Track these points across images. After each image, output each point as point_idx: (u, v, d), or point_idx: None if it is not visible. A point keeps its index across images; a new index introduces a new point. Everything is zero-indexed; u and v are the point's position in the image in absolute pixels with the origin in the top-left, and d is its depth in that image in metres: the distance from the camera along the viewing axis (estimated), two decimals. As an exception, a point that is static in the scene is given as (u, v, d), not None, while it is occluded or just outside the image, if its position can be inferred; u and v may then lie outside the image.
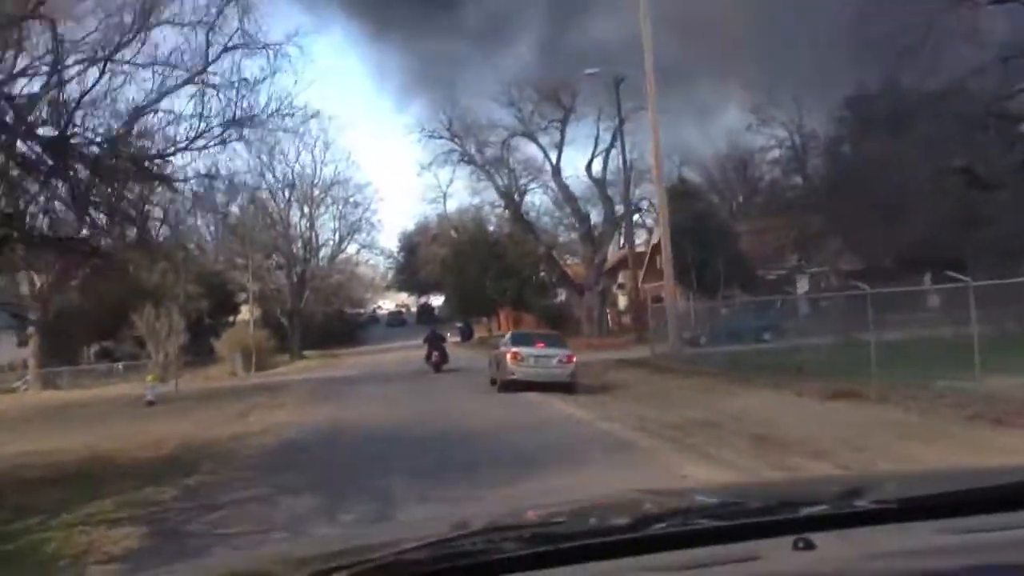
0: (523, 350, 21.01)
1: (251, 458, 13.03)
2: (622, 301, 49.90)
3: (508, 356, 20.95)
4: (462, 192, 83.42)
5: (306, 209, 53.61)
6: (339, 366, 42.08)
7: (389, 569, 1.29)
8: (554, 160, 43.81)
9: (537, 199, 53.54)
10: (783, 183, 73.97)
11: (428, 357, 31.41)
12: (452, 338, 60.15)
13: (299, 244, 54.68)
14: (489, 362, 24.11)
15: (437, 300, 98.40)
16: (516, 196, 47.74)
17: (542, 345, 21.44)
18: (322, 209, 55.04)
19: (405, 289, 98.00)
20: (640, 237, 54.86)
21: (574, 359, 21.20)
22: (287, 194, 53.18)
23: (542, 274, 58.45)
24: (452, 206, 72.83)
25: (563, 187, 43.97)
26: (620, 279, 59.28)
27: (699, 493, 2.06)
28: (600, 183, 43.87)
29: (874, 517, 1.41)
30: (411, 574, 1.28)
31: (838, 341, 27.94)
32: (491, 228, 58.16)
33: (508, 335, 23.51)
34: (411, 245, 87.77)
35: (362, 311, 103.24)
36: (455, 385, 24.62)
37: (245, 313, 69.45)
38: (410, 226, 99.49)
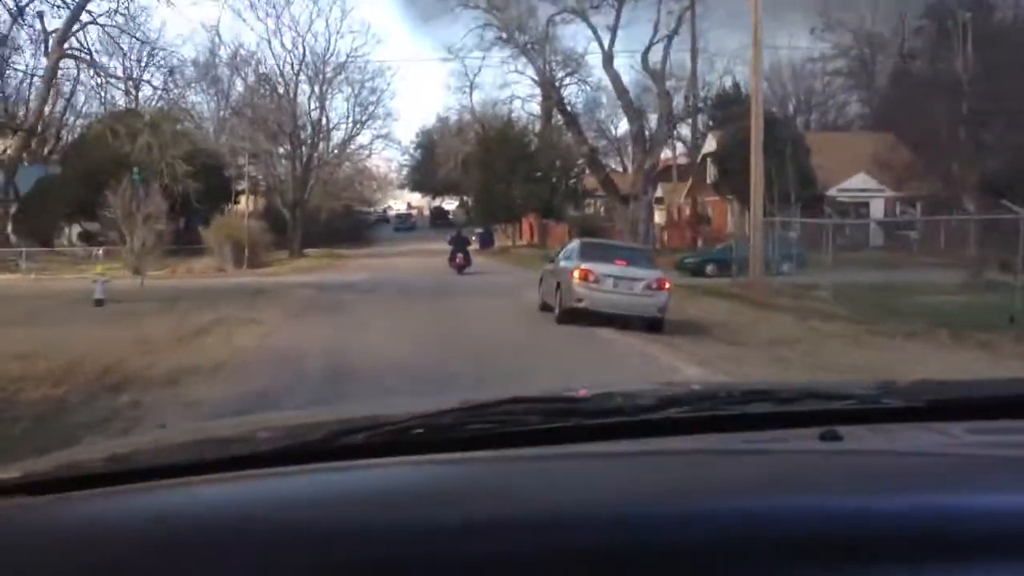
0: (598, 268, 15.18)
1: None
2: (658, 215, 43.90)
3: (575, 275, 15.19)
4: (489, 86, 76.49)
5: (316, 88, 46.72)
6: (344, 268, 36.46)
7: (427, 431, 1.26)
8: (607, 45, 37.35)
9: (574, 95, 47.34)
10: (845, 97, 67.30)
11: (452, 259, 32.25)
12: (471, 245, 54.67)
13: (307, 127, 47.96)
14: (540, 280, 18.37)
15: (452, 204, 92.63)
16: (557, 87, 41.27)
17: (623, 263, 15.60)
18: (334, 88, 48.14)
19: (419, 190, 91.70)
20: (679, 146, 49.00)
21: (667, 285, 15.47)
22: (296, 68, 46.25)
23: (572, 180, 52.52)
24: (478, 99, 66.69)
25: (616, 78, 37.65)
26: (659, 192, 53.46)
27: (729, 387, 1.94)
28: (658, 76, 37.47)
29: (904, 415, 1.39)
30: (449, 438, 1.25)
31: (965, 277, 22.41)
32: (521, 126, 51.91)
33: (574, 245, 17.53)
34: (429, 142, 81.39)
35: (372, 210, 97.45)
36: (494, 307, 18.88)
37: (246, 204, 63.95)
38: (430, 121, 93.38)
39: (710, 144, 45.52)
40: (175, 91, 46.35)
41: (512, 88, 53.46)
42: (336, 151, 53.02)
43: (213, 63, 47.87)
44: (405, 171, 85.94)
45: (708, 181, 46.55)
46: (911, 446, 1.25)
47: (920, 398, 1.47)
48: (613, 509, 0.94)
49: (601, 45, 37.36)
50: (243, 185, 47.50)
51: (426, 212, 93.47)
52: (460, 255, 31.87)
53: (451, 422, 1.31)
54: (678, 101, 37.12)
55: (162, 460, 1.31)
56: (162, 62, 47.46)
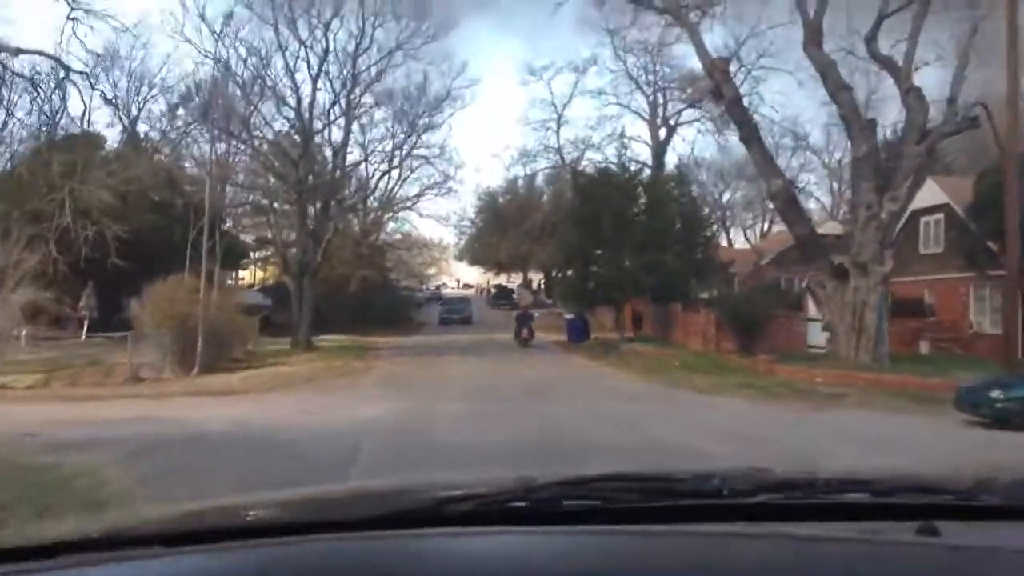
0: None
1: None
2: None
3: None
4: (578, 121, 62.26)
5: (339, 97, 31.31)
6: (358, 381, 21.00)
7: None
8: (811, 14, 22.10)
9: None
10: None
11: (517, 334, 33.47)
12: (549, 335, 39.20)
13: (324, 159, 32.68)
14: None
15: (516, 281, 77.78)
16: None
17: None
18: (365, 106, 32.94)
19: (480, 263, 76.82)
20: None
21: None
22: (312, 65, 31.08)
23: (700, 249, 37.04)
24: (566, 137, 52.33)
25: (827, 63, 22.24)
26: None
27: (825, 475, 1.69)
28: (895, 67, 22.15)
29: (1002, 513, 1.35)
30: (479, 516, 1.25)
31: None
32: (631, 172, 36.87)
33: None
34: (493, 206, 66.91)
35: (424, 287, 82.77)
36: None
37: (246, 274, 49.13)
38: (494, 182, 78.97)
39: (930, 194, 29.90)
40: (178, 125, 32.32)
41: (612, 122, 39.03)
42: (371, 199, 38.01)
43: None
44: (462, 240, 71.34)
45: (921, 249, 30.76)
46: (1014, 544, 1.19)
47: (1020, 496, 1.42)
48: None
49: (804, 14, 22.10)
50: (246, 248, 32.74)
51: (482, 291, 78.52)
52: (525, 329, 33.70)
53: (551, 496, 1.32)
54: (933, 114, 21.67)
55: (267, 519, 1.33)
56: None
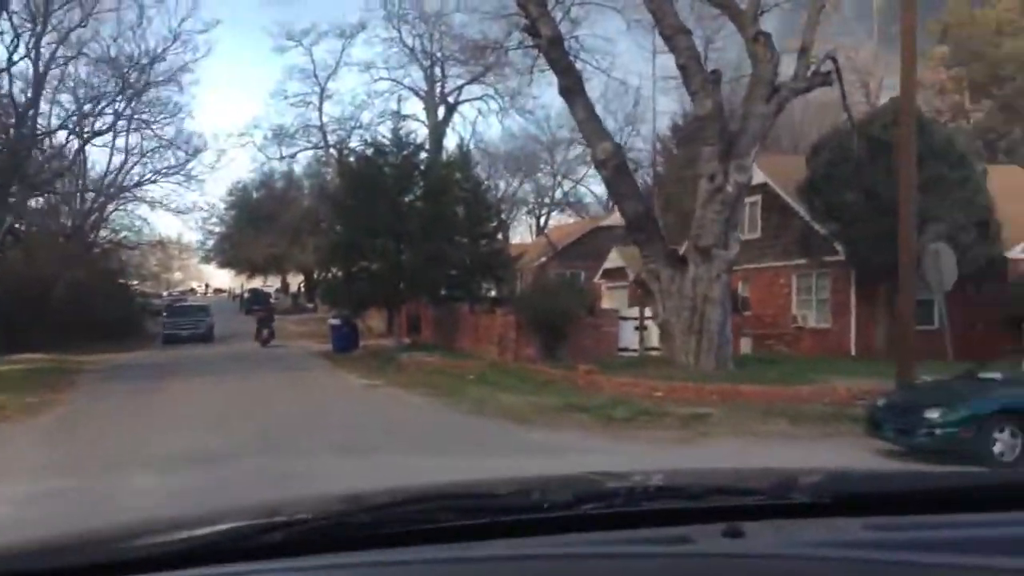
0: None
1: None
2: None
3: None
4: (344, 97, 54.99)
5: (26, 37, 23.24)
6: (17, 432, 13.73)
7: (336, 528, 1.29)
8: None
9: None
10: None
11: (258, 335, 32.35)
12: (311, 343, 33.11)
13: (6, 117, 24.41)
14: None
15: (274, 285, 70.01)
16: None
17: None
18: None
19: (231, 266, 68.21)
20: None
21: None
22: None
23: (485, 241, 32.06)
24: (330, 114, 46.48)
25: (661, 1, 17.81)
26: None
27: (636, 475, 1.85)
28: (734, 7, 18.11)
29: (806, 510, 1.41)
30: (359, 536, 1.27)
31: None
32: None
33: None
34: (247, 200, 59.24)
35: (167, 292, 73.29)
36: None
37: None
38: (246, 173, 70.51)
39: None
40: None
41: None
42: (81, 182, 30.15)
43: None
44: (213, 239, 62.94)
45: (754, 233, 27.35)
46: (812, 539, 1.25)
47: (825, 494, 1.47)
48: None
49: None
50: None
51: (235, 296, 69.97)
52: (266, 330, 31.99)
53: (371, 520, 1.32)
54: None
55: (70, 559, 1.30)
56: None
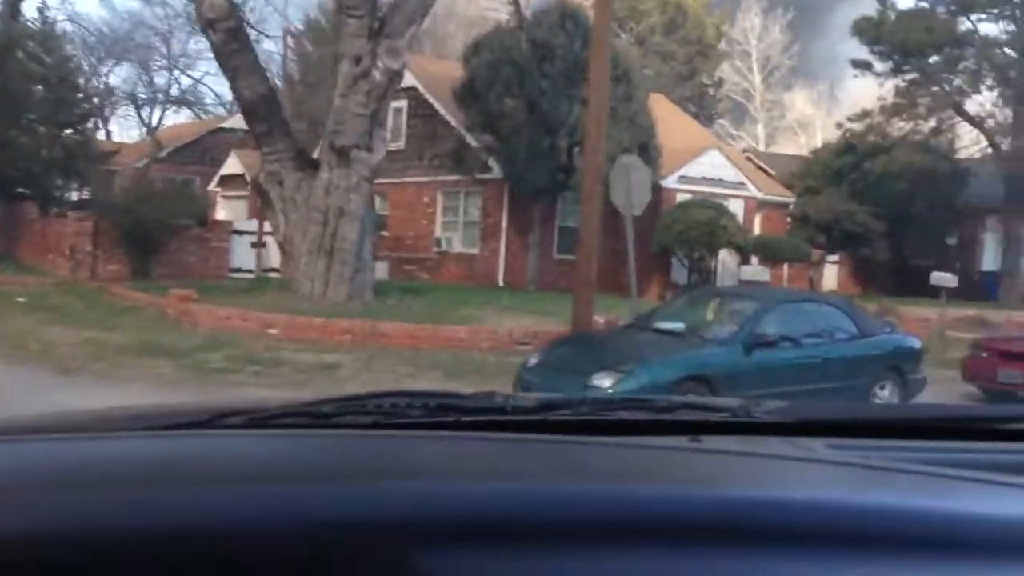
0: None
1: None
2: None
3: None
4: None
5: None
6: None
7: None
8: None
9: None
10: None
11: None
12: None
13: None
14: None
15: None
16: None
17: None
18: None
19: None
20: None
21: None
22: None
23: (71, 130, 25.52)
24: None
25: None
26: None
27: (609, 397, 2.09)
28: None
29: (768, 429, 1.42)
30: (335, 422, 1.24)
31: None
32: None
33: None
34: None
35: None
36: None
37: None
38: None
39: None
40: None
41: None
42: None
43: None
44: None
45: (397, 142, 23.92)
46: (767, 451, 1.27)
47: (791, 416, 1.48)
48: (469, 486, 0.96)
49: None
50: None
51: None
52: None
53: (331, 411, 1.29)
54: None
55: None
56: None
